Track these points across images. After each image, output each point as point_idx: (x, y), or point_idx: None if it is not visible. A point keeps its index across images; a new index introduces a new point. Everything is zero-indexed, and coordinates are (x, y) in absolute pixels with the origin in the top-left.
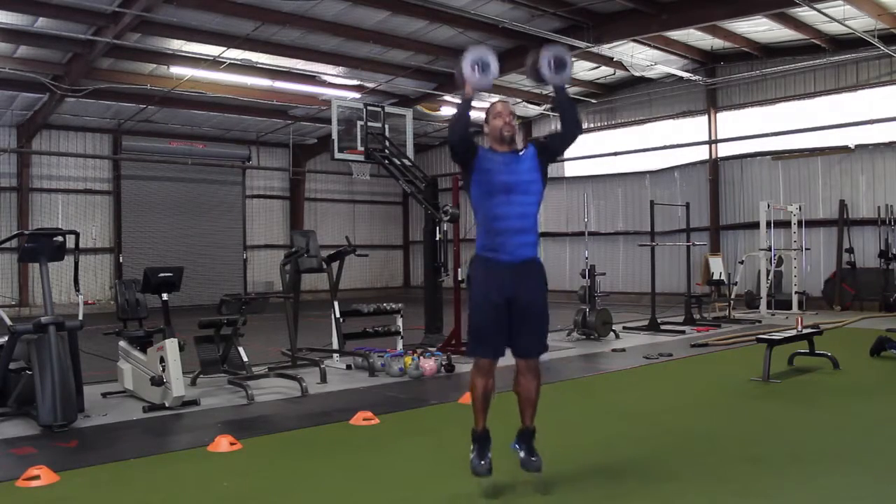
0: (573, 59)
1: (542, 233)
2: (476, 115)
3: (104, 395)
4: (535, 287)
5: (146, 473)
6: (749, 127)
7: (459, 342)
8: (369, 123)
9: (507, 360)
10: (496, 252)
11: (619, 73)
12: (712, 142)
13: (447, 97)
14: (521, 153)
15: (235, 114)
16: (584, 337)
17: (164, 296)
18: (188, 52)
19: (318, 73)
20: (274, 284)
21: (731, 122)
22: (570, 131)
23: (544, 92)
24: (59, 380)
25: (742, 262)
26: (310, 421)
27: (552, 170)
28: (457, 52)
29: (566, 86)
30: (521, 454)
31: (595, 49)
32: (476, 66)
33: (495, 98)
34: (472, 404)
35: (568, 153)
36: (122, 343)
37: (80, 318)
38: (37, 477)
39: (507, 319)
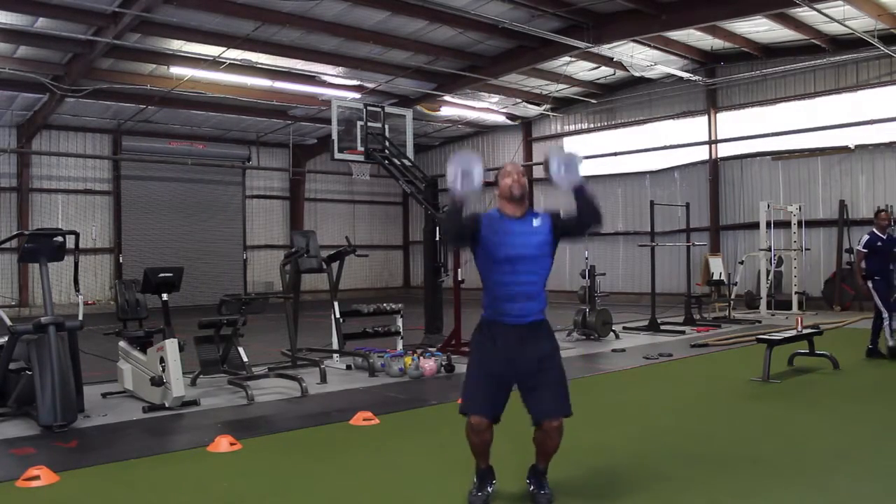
0: (573, 58)
1: None
2: (477, 115)
3: (104, 395)
4: (544, 346)
5: (146, 473)
6: (749, 127)
7: (459, 342)
8: (369, 123)
9: None
10: (501, 315)
11: (619, 74)
12: (712, 142)
13: (447, 97)
14: (535, 224)
15: (235, 114)
16: (584, 337)
17: (164, 296)
18: (188, 53)
19: (318, 73)
20: (274, 284)
21: (731, 122)
22: (588, 224)
23: (544, 92)
24: (59, 380)
25: (742, 263)
26: (310, 421)
27: None
28: (457, 52)
29: (583, 184)
30: (531, 488)
31: (595, 49)
32: (459, 176)
33: (496, 98)
34: (471, 451)
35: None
36: (122, 343)
37: (80, 318)
38: (37, 477)
39: (507, 383)
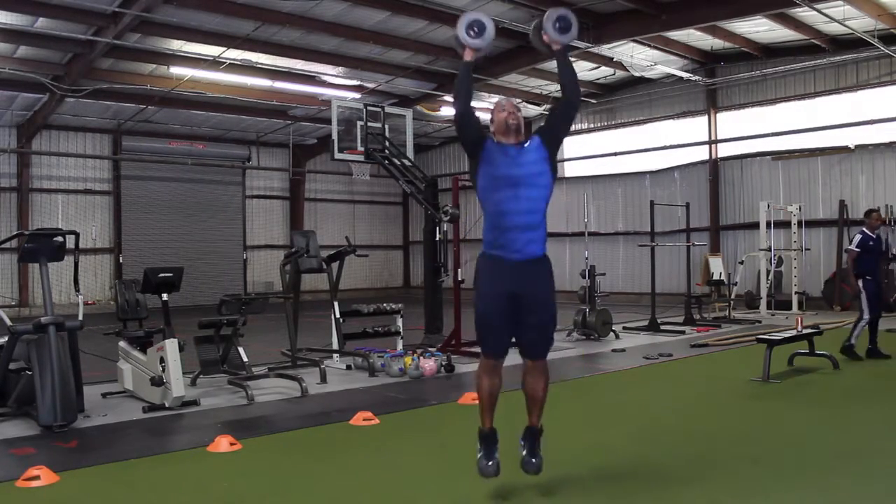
0: (573, 58)
1: None
2: (477, 115)
3: (104, 395)
4: (542, 285)
5: (146, 473)
6: (749, 127)
7: (459, 342)
8: (369, 123)
9: (516, 359)
10: (503, 249)
11: (619, 74)
12: (712, 142)
13: (447, 97)
14: (527, 145)
15: (235, 114)
16: (584, 337)
17: (164, 296)
18: (188, 52)
19: (318, 73)
20: (274, 284)
21: (731, 122)
22: (570, 96)
23: (544, 92)
24: (59, 380)
25: (742, 263)
26: (310, 421)
27: None
28: (457, 52)
29: (568, 48)
30: (523, 453)
31: (595, 49)
32: (472, 29)
33: (496, 98)
34: (478, 403)
35: (568, 153)
36: (122, 343)
37: (80, 318)
38: (37, 477)
39: (513, 317)
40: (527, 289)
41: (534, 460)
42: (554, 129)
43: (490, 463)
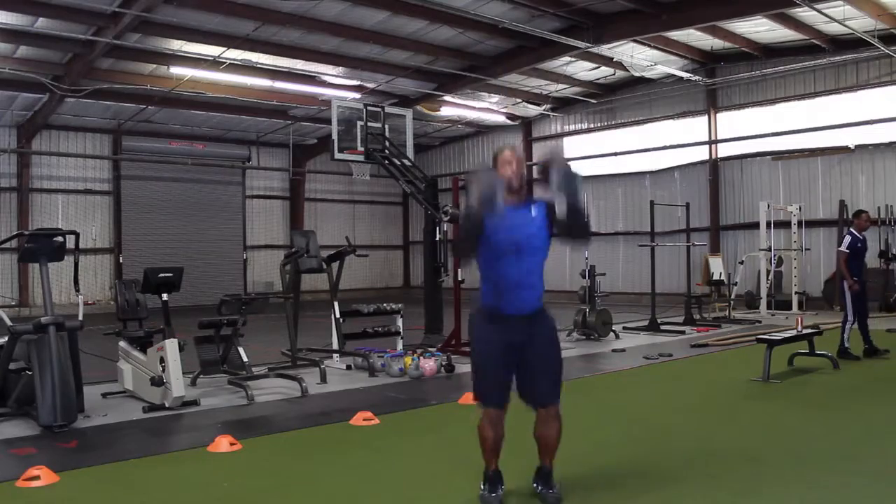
0: (573, 58)
1: None
2: (477, 115)
3: (104, 395)
4: (543, 330)
5: (146, 473)
6: (749, 127)
7: (459, 342)
8: (369, 124)
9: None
10: (502, 305)
11: (620, 74)
12: (712, 142)
13: (447, 97)
14: (533, 213)
15: (235, 114)
16: (584, 337)
17: (164, 296)
18: (188, 53)
19: (318, 73)
20: (274, 284)
21: (731, 122)
22: (577, 240)
23: (544, 92)
24: (59, 380)
25: (742, 263)
26: (310, 421)
27: None
28: (457, 52)
29: (578, 198)
30: (539, 489)
31: (595, 49)
32: (481, 200)
33: (496, 98)
34: (482, 451)
35: (569, 153)
36: (122, 343)
37: (80, 318)
38: (37, 477)
39: (514, 367)
40: (526, 336)
41: (552, 491)
42: (555, 228)
43: (493, 495)
